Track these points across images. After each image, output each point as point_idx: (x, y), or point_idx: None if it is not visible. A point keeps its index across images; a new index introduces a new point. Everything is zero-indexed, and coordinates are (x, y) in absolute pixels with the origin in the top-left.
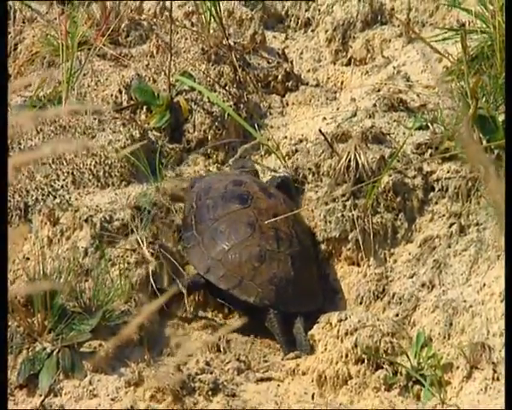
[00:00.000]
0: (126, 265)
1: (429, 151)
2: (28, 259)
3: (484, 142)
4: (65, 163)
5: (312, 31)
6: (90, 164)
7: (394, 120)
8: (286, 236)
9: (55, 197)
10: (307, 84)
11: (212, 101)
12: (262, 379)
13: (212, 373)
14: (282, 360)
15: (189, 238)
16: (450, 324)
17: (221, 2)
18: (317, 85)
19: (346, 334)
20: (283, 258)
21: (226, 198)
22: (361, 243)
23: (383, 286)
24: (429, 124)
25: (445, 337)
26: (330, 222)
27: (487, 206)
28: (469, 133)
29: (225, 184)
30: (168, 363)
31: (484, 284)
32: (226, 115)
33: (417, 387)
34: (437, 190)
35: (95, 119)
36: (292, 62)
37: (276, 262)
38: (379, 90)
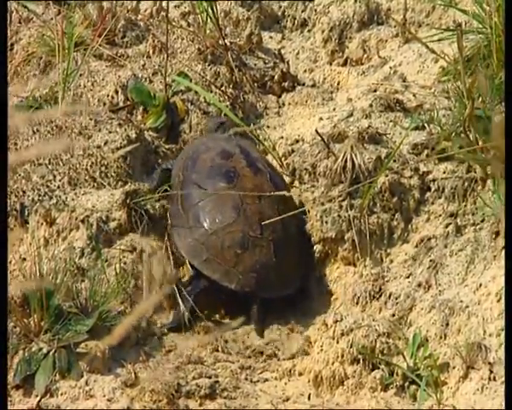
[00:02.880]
0: (123, 265)
1: (426, 151)
2: (25, 259)
3: (480, 142)
4: (61, 164)
5: (309, 31)
6: (87, 164)
7: (391, 121)
8: (270, 219)
9: (51, 198)
10: (303, 84)
11: (209, 101)
12: (258, 380)
13: (208, 374)
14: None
15: (174, 214)
16: (447, 324)
17: (218, 3)
18: (314, 86)
19: (342, 334)
20: (266, 244)
21: (212, 175)
22: (357, 243)
23: (379, 286)
24: (426, 124)
25: (441, 337)
26: (327, 222)
27: (483, 206)
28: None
29: (213, 155)
30: (164, 364)
31: (480, 284)
32: (223, 116)
33: (413, 387)
34: (433, 190)
35: (91, 119)
36: (288, 63)
37: (259, 249)
38: (375, 91)
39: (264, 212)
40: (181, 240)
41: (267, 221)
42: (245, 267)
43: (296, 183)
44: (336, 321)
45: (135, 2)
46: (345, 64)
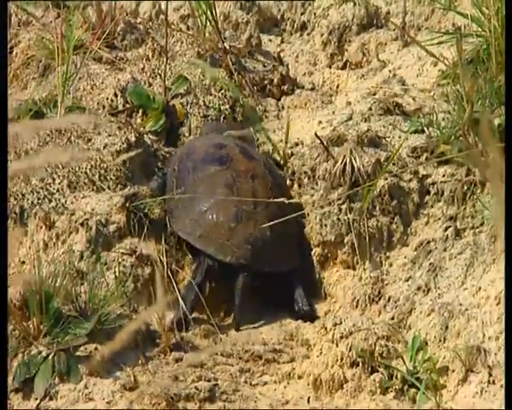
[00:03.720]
0: (122, 268)
1: (425, 155)
2: (24, 262)
3: (479, 145)
4: (60, 167)
5: (308, 34)
6: (86, 167)
7: (390, 124)
8: (263, 197)
9: (50, 201)
10: (303, 87)
11: (208, 104)
12: (258, 383)
13: (207, 377)
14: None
15: (170, 200)
16: (446, 327)
17: (217, 6)
18: (313, 89)
19: (342, 338)
20: (260, 218)
21: (206, 160)
22: (356, 246)
23: (379, 289)
24: (425, 127)
25: (440, 341)
26: (326, 225)
27: (483, 209)
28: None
29: (206, 147)
30: (163, 367)
31: (479, 288)
32: (222, 118)
33: (413, 390)
34: (432, 193)
35: (90, 122)
36: (287, 66)
37: (253, 222)
38: (374, 94)
39: (257, 190)
40: (177, 222)
41: (269, 223)
42: (239, 240)
43: (295, 186)
44: (335, 324)
45: (134, 6)
46: (344, 67)
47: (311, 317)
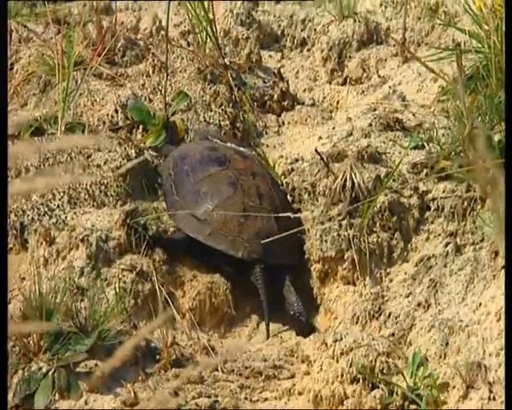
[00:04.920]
0: (122, 284)
1: (425, 171)
2: (24, 279)
3: (479, 161)
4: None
5: (308, 50)
6: (86, 184)
7: (390, 140)
8: (266, 193)
9: (50, 217)
10: (303, 103)
11: (208, 120)
12: (258, 399)
13: (208, 394)
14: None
15: (172, 203)
16: (446, 343)
17: (217, 22)
18: (313, 105)
19: (342, 354)
20: (266, 213)
21: (204, 162)
22: (357, 262)
23: (379, 305)
24: (425, 143)
25: (440, 357)
26: (326, 241)
27: (483, 225)
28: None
29: (201, 150)
30: (164, 384)
31: (480, 304)
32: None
33: (413, 407)
34: (433, 209)
35: (91, 142)
36: (288, 82)
37: (260, 217)
38: (375, 110)
39: (260, 186)
40: (183, 223)
41: (273, 237)
42: (249, 235)
43: (296, 202)
44: (336, 340)
45: (134, 22)
46: (344, 83)
47: (306, 324)
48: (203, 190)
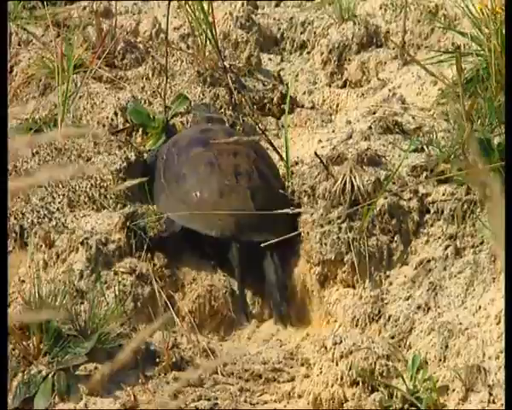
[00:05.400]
0: (122, 287)
1: (425, 173)
2: (24, 281)
3: (479, 164)
4: (60, 186)
5: (308, 53)
6: (86, 186)
7: (390, 143)
8: (245, 171)
9: (50, 220)
10: (303, 106)
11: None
12: (258, 402)
13: (208, 397)
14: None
15: (157, 187)
16: (446, 346)
17: (216, 25)
18: (313, 108)
19: (342, 357)
20: (242, 191)
21: (190, 144)
22: (356, 265)
23: (379, 308)
24: (425, 146)
25: (440, 360)
26: (326, 244)
27: (483, 228)
28: (476, 156)
29: (192, 133)
30: (163, 387)
31: (479, 307)
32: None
33: None
34: (432, 212)
35: (90, 141)
36: (287, 84)
37: (235, 195)
38: (374, 113)
39: (239, 165)
40: (163, 205)
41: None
42: (223, 213)
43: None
44: (335, 343)
45: (134, 25)
46: (344, 86)
47: (284, 315)
48: (183, 171)
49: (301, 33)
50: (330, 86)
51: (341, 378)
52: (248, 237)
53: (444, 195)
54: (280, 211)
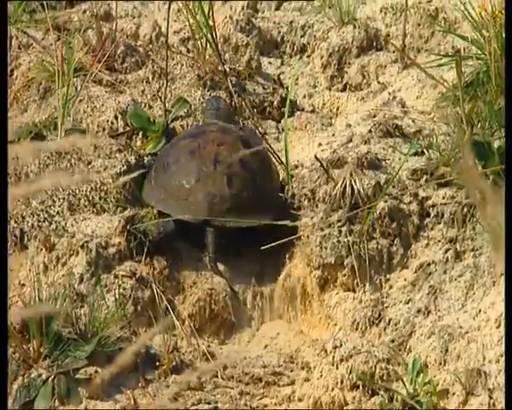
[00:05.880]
0: (122, 291)
1: (425, 177)
2: (24, 285)
3: (479, 168)
4: (60, 189)
5: (308, 57)
6: (86, 190)
7: (390, 146)
8: (225, 159)
9: (50, 223)
10: (303, 109)
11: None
12: (258, 406)
13: (208, 400)
14: None
15: (147, 179)
16: (446, 350)
17: (217, 28)
18: (313, 111)
19: (342, 360)
20: (219, 177)
21: (182, 138)
22: (356, 268)
23: (379, 312)
24: (425, 150)
25: (440, 363)
26: (326, 248)
27: (483, 232)
28: (469, 159)
29: (192, 129)
30: (163, 390)
31: (480, 310)
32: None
33: None
34: (432, 215)
35: (90, 145)
36: (287, 88)
37: (211, 181)
38: (374, 116)
39: (220, 153)
40: (147, 194)
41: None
42: (196, 198)
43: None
44: (336, 347)
45: (134, 28)
46: (344, 89)
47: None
48: (167, 160)
49: (301, 37)
50: (330, 90)
51: (341, 382)
52: (222, 223)
53: (444, 198)
54: (279, 222)
